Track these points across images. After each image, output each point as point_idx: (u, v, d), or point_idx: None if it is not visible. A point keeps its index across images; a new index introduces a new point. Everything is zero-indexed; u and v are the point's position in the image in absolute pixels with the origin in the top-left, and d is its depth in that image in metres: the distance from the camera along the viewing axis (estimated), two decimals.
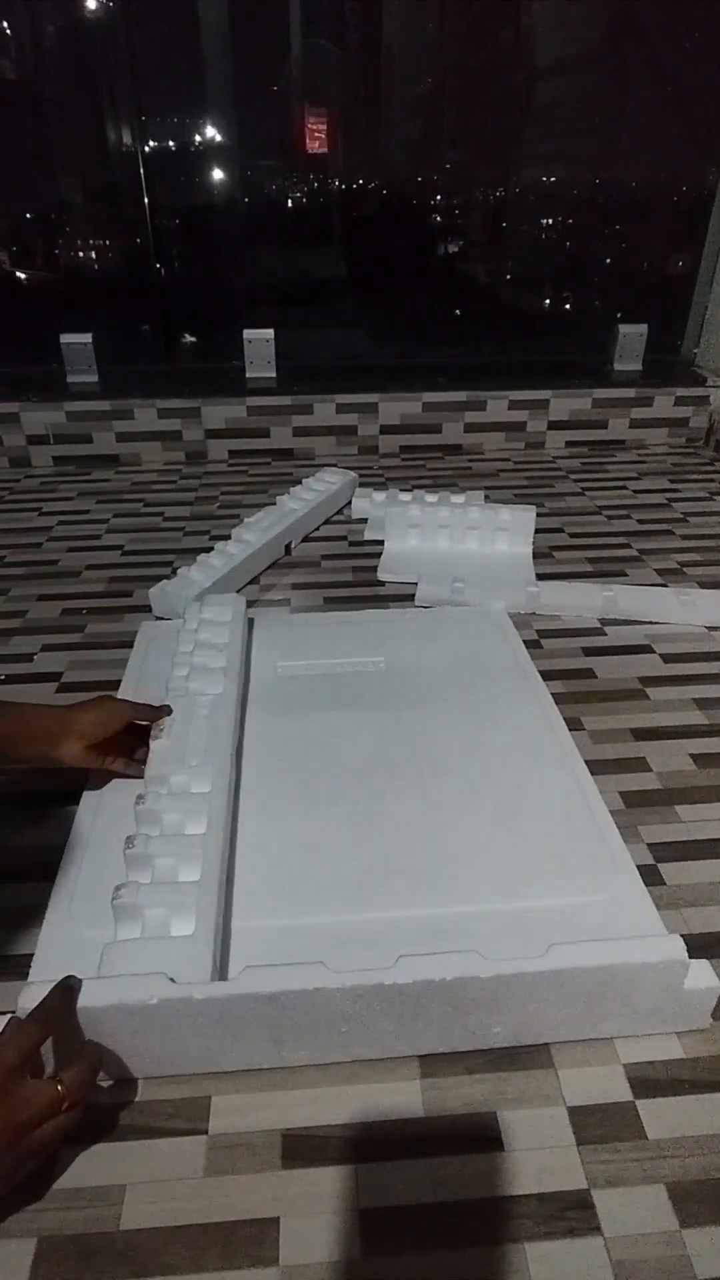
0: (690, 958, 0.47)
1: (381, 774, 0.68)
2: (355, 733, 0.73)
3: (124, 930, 0.51)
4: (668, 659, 0.87)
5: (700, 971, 0.48)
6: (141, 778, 0.63)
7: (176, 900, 0.52)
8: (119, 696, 0.71)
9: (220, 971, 0.50)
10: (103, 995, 0.45)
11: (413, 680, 0.80)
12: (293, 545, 1.11)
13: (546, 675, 0.81)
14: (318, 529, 1.19)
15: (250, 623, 0.88)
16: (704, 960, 0.49)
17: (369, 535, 1.15)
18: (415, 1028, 0.47)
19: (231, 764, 0.66)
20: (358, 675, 0.81)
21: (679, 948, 0.47)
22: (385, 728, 0.73)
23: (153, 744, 0.66)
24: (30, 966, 0.52)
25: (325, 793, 0.66)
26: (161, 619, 0.93)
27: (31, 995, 0.45)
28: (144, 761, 0.65)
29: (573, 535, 1.17)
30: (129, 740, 0.68)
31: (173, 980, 0.45)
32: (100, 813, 0.64)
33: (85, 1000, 0.44)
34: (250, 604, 0.98)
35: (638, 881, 0.57)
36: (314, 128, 1.59)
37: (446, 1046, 0.49)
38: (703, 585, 1.02)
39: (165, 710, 0.69)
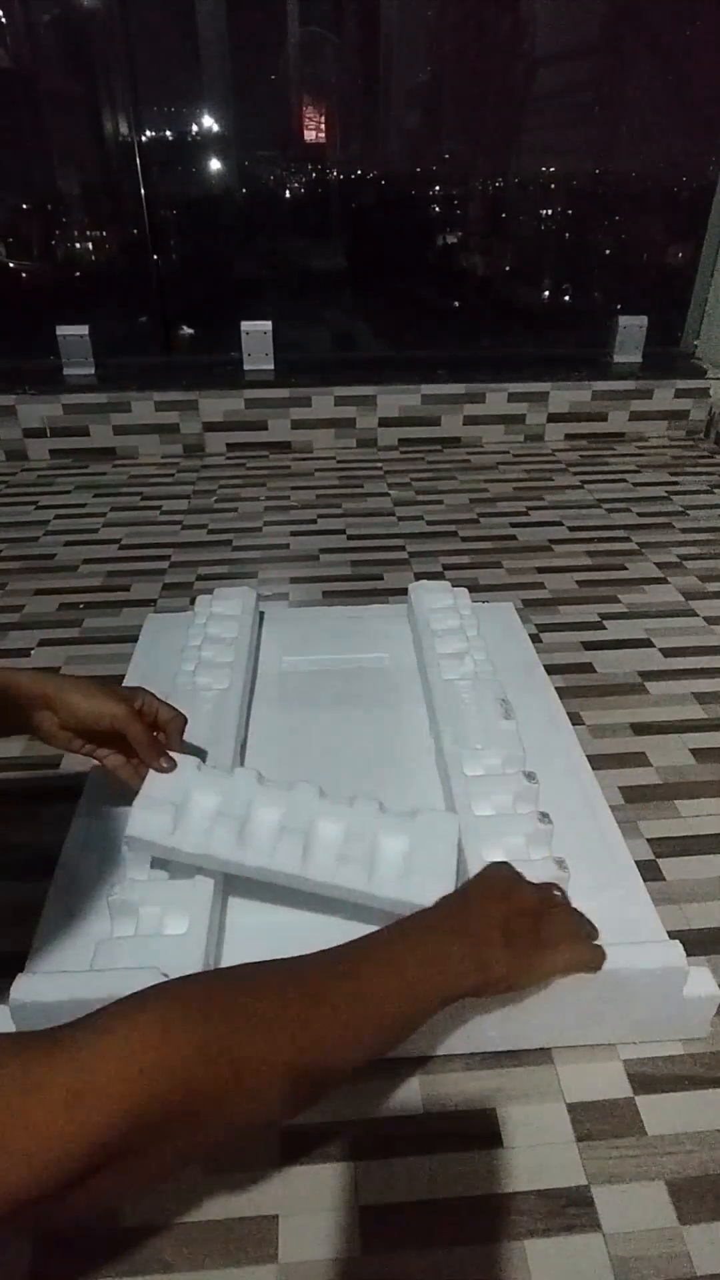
0: (691, 954, 0.47)
1: (385, 772, 0.68)
2: (358, 730, 0.72)
3: (119, 927, 0.51)
4: (667, 653, 0.87)
5: (700, 978, 0.47)
6: (132, 784, 0.55)
7: (172, 897, 0.51)
8: (154, 693, 0.58)
9: (214, 967, 0.50)
10: (95, 989, 0.44)
11: (415, 676, 0.80)
12: None
13: (546, 670, 0.81)
14: (314, 521, 1.19)
15: (261, 616, 0.87)
16: (704, 967, 0.48)
17: None
18: None
19: (235, 759, 0.65)
20: (361, 671, 0.81)
21: (678, 955, 0.47)
22: (388, 725, 0.73)
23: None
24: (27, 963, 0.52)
25: (327, 791, 0.66)
26: (167, 611, 0.92)
27: (25, 985, 0.45)
28: (140, 771, 0.56)
29: (572, 529, 1.17)
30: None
31: (165, 975, 0.45)
32: (101, 810, 0.63)
33: (77, 994, 0.44)
34: None
35: (639, 885, 0.57)
36: (311, 118, 1.57)
37: (442, 1050, 0.48)
38: (702, 579, 1.02)
39: (170, 741, 0.57)
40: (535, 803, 0.59)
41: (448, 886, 0.50)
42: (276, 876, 0.51)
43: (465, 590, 0.86)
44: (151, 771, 0.56)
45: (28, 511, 1.24)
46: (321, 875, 0.51)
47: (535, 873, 0.52)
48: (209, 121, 1.52)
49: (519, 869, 0.50)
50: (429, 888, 0.49)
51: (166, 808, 0.53)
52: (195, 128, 1.53)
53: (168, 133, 1.52)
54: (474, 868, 0.53)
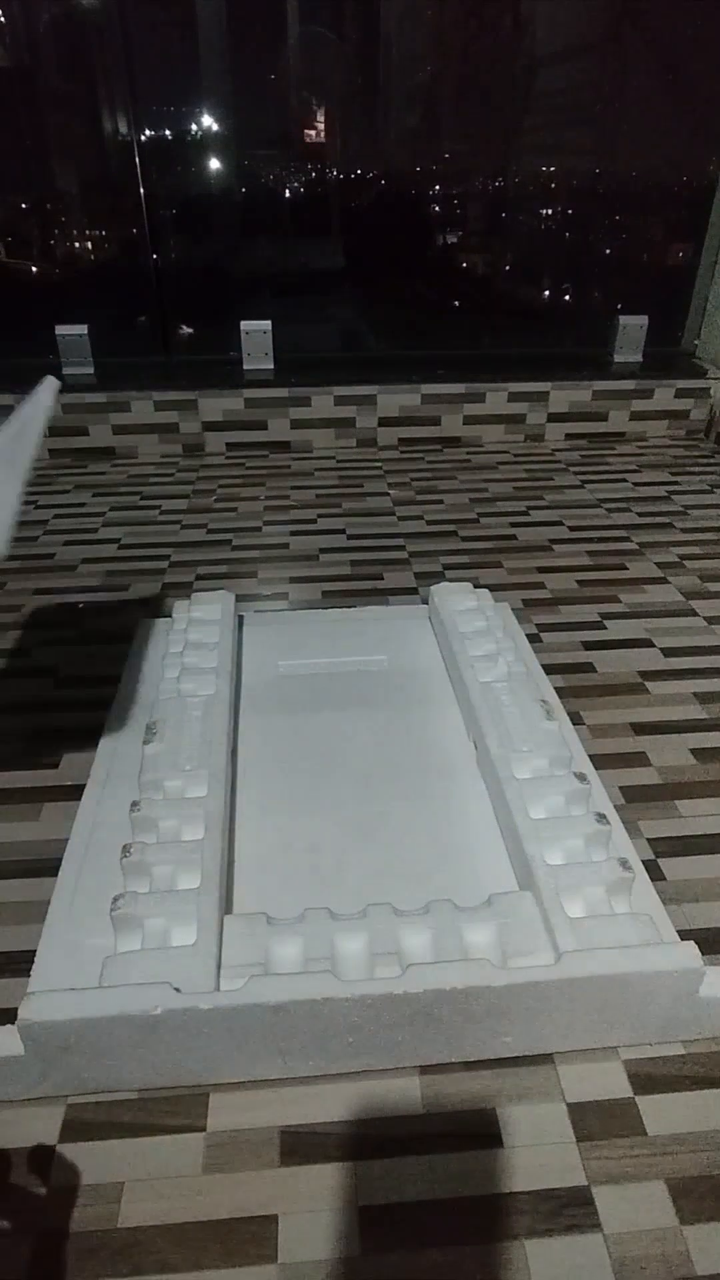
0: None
1: (384, 774, 0.68)
2: (357, 732, 0.72)
3: (124, 941, 0.50)
4: (667, 653, 0.87)
5: (717, 979, 0.47)
6: None
7: (176, 909, 0.51)
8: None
9: (219, 975, 0.50)
10: (106, 1006, 0.44)
11: (415, 678, 0.79)
12: None
13: (546, 670, 0.81)
14: (314, 521, 1.18)
15: (240, 620, 0.87)
16: (718, 968, 0.48)
17: None
18: (425, 1037, 0.47)
19: (227, 766, 0.64)
20: (360, 673, 0.81)
21: (694, 955, 0.47)
22: (387, 727, 0.73)
23: (145, 748, 0.65)
24: (31, 965, 0.52)
25: (327, 794, 0.66)
26: (159, 617, 0.92)
27: (34, 1005, 0.44)
28: None
29: (572, 529, 1.16)
30: None
31: (177, 990, 0.44)
32: (102, 811, 0.63)
33: (88, 1011, 0.43)
34: (247, 598, 0.98)
35: (649, 885, 0.57)
36: (311, 117, 1.57)
37: (456, 1056, 0.48)
38: (703, 579, 1.02)
39: None
40: (589, 804, 0.59)
41: (549, 959, 0.48)
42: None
43: (487, 591, 0.86)
44: (228, 932, 0.52)
45: (27, 511, 1.24)
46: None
47: (599, 874, 0.52)
48: (208, 121, 1.52)
49: (580, 871, 0.50)
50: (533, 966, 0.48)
51: (253, 967, 0.50)
52: (194, 127, 1.52)
53: (167, 132, 1.52)
54: (537, 871, 0.53)
